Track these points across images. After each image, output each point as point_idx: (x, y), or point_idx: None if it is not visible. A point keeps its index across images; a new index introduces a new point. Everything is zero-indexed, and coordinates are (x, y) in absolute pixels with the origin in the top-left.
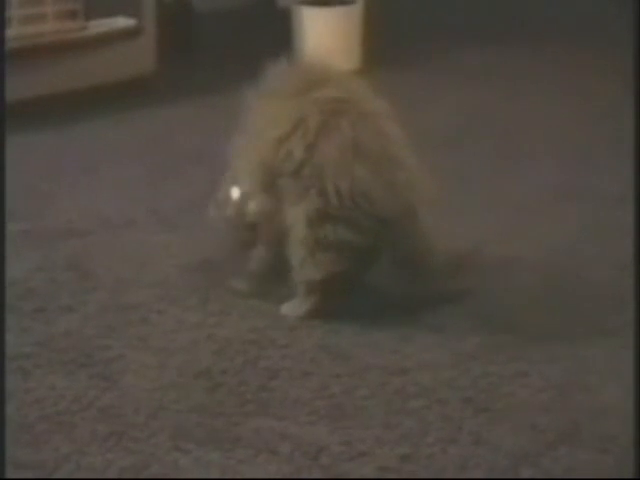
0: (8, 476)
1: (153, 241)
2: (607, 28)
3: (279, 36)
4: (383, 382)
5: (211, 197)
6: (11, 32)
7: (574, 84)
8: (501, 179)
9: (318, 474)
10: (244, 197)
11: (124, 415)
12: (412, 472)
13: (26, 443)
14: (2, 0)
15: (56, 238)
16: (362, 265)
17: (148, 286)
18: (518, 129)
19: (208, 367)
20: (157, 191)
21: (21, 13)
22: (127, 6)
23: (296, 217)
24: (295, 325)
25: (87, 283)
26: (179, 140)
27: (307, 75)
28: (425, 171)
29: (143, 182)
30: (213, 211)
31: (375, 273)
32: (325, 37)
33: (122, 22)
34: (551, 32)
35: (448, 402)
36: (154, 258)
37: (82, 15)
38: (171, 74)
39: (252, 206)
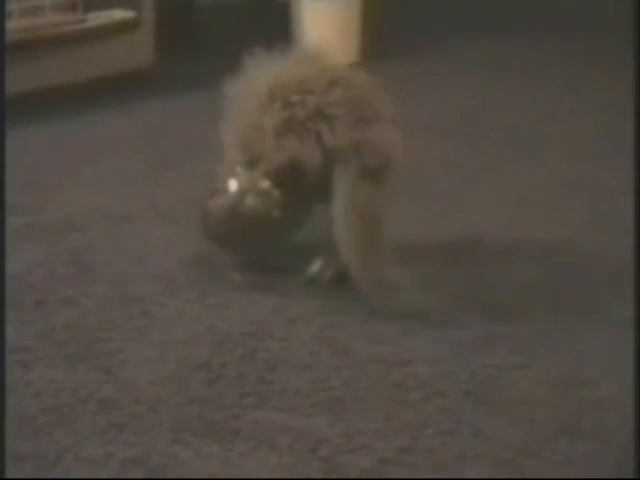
0: (9, 468)
1: (153, 234)
2: (607, 20)
3: (278, 29)
4: (383, 374)
5: (209, 190)
6: (10, 25)
7: (574, 77)
8: (501, 171)
9: (318, 466)
10: (242, 190)
11: (124, 407)
12: (412, 464)
13: (26, 435)
14: None
15: (56, 232)
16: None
17: (148, 279)
18: (518, 121)
19: (208, 360)
20: (156, 184)
21: (20, 6)
22: None
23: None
24: (294, 317)
25: (87, 276)
26: (178, 133)
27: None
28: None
29: (142, 175)
30: (210, 203)
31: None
32: (324, 30)
33: (121, 14)
34: (551, 24)
35: (448, 395)
36: (154, 251)
37: (81, 7)
38: (170, 67)
39: (250, 199)
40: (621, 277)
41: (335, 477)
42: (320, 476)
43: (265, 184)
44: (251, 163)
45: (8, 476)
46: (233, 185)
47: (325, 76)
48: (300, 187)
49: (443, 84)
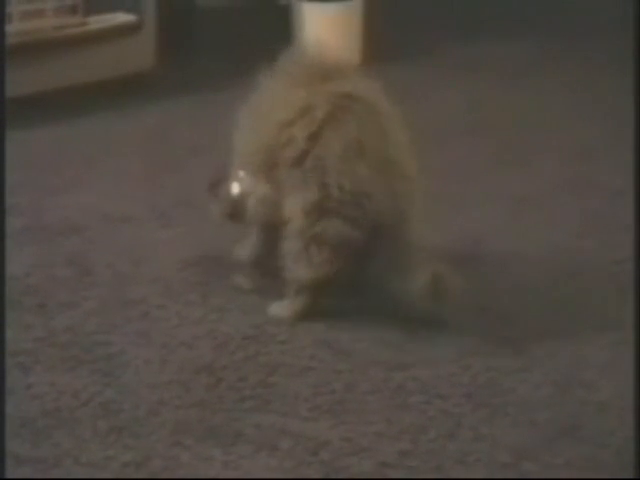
0: (9, 471)
1: (153, 236)
2: (608, 22)
3: (280, 32)
4: (384, 378)
5: (210, 193)
6: (11, 28)
7: (575, 78)
8: (501, 173)
9: (318, 469)
10: (244, 193)
11: (124, 411)
12: (412, 467)
13: (26, 439)
14: None
15: (56, 234)
16: (352, 267)
17: (148, 282)
18: (519, 123)
19: (208, 363)
20: (157, 186)
21: (21, 9)
22: (127, 2)
23: (294, 208)
24: (295, 321)
25: (87, 279)
26: (179, 136)
27: (321, 66)
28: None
29: (143, 177)
30: (213, 207)
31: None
32: (326, 33)
33: (122, 18)
34: (552, 26)
35: (448, 398)
36: (154, 254)
37: (82, 11)
38: (171, 70)
39: (252, 202)
40: (621, 278)
41: None
42: (321, 479)
43: (268, 188)
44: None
45: (8, 479)
46: (236, 189)
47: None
48: None
49: (443, 86)
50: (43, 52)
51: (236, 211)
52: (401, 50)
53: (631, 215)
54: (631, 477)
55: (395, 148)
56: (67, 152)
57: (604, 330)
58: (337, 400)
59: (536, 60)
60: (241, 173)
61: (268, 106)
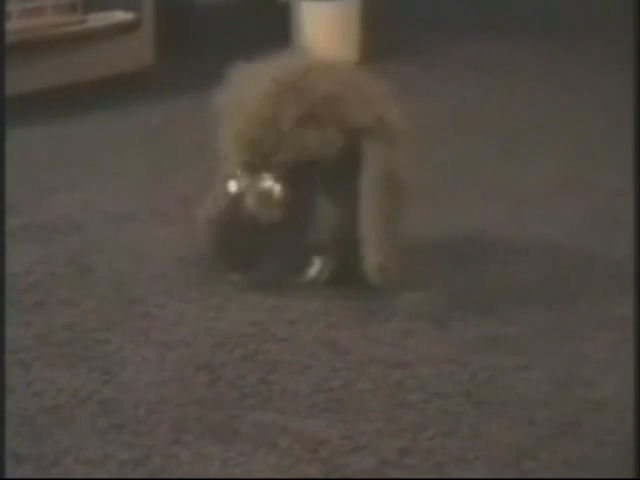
0: (8, 468)
1: (153, 235)
2: (607, 20)
3: (278, 30)
4: (383, 376)
5: (209, 192)
6: (11, 25)
7: (574, 76)
8: (500, 171)
9: (318, 467)
10: (241, 191)
11: (124, 408)
12: (412, 465)
13: (26, 436)
14: None
15: (56, 232)
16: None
17: (148, 280)
18: (518, 121)
19: (208, 361)
20: (156, 185)
21: (20, 6)
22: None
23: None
24: (294, 319)
25: (87, 277)
26: (178, 134)
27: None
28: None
29: (142, 176)
30: (210, 206)
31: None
32: (323, 30)
33: (121, 16)
34: (551, 24)
35: (448, 396)
36: (154, 252)
37: (81, 9)
38: (170, 68)
39: (249, 199)
40: (621, 277)
41: (335, 478)
42: (320, 477)
43: (267, 184)
44: (257, 163)
45: (8, 477)
46: (233, 187)
47: (324, 65)
48: (311, 180)
49: (442, 84)
50: (42, 50)
51: (235, 209)
52: (399, 48)
53: (631, 213)
54: (631, 475)
55: (369, 83)
56: (67, 150)
57: (604, 328)
58: (336, 398)
59: (536, 58)
60: (238, 171)
61: (243, 98)
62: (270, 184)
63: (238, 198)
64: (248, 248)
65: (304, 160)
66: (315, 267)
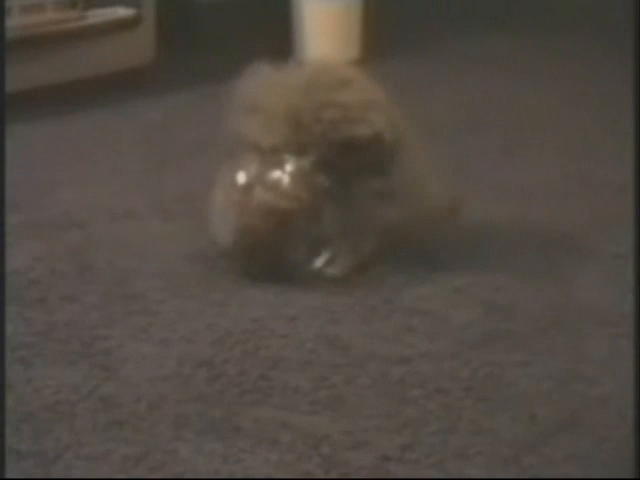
0: (9, 465)
1: (153, 231)
2: (609, 17)
3: (279, 26)
4: (384, 372)
5: (213, 185)
6: (11, 22)
7: (575, 73)
8: (502, 168)
9: (319, 463)
10: (250, 182)
11: (125, 405)
12: (413, 461)
13: (27, 433)
14: None
15: (56, 228)
16: None
17: (148, 276)
18: (519, 118)
19: (208, 357)
20: (157, 181)
21: (21, 3)
22: None
23: None
24: (295, 315)
25: (87, 273)
26: (179, 130)
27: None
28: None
29: (143, 172)
30: (218, 197)
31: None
32: (325, 27)
33: (121, 12)
34: (552, 20)
35: (449, 391)
36: (154, 248)
37: (81, 5)
38: (170, 64)
39: (259, 191)
40: (622, 273)
41: (336, 474)
42: (321, 473)
43: (276, 174)
44: (297, 147)
45: (8, 473)
46: (242, 178)
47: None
48: (353, 169)
49: (444, 82)
50: (42, 46)
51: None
52: (401, 45)
53: (631, 209)
54: (631, 472)
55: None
56: (67, 146)
57: (604, 324)
58: (337, 394)
59: (538, 54)
60: (247, 160)
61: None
62: (279, 174)
63: (248, 188)
64: (264, 239)
65: (341, 145)
66: (321, 261)
